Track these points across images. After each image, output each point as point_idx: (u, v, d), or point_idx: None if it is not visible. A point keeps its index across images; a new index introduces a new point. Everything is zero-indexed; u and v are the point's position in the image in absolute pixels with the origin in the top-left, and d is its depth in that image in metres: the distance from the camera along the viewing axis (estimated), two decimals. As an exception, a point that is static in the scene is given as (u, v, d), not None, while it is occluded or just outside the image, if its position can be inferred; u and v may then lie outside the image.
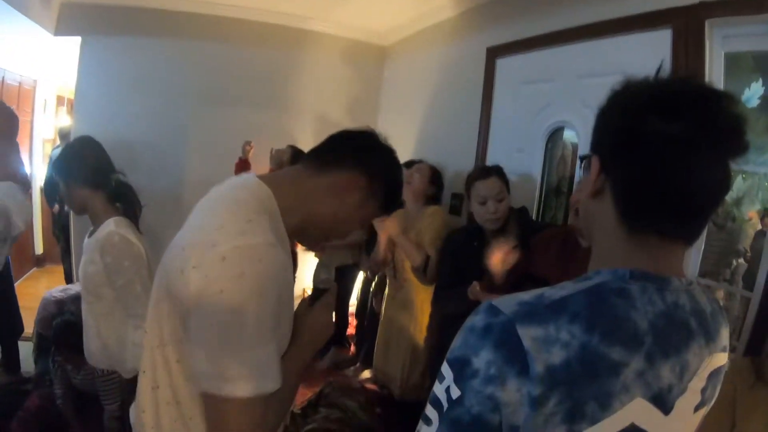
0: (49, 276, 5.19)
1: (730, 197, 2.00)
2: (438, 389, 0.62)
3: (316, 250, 1.03)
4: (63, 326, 2.33)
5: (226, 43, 4.04)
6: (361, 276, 3.74)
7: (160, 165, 3.85)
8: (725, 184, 0.62)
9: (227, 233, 0.86)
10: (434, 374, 0.64)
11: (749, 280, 1.86)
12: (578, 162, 0.72)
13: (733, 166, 0.61)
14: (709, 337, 0.66)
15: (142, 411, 1.01)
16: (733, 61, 1.85)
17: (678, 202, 0.61)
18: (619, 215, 0.64)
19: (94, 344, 1.82)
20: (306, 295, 1.23)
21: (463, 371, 0.60)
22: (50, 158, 4.57)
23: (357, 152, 1.03)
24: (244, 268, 0.83)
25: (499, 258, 1.73)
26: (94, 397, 2.34)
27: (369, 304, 3.46)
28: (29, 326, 3.05)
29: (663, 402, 0.62)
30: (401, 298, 2.60)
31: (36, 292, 4.05)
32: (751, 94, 1.83)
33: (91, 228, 1.77)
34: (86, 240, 1.78)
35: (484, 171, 2.13)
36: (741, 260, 2.16)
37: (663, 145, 0.58)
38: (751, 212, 2.09)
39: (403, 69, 4.16)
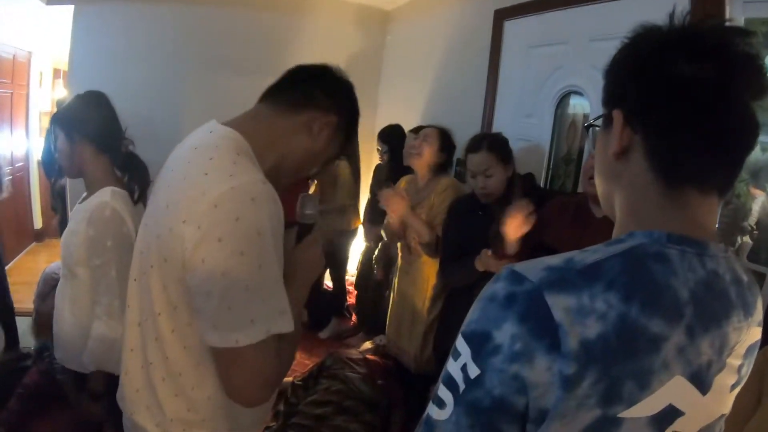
0: (48, 250, 5.17)
1: (746, 170, 1.93)
2: (452, 367, 0.55)
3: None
4: None
5: (225, 7, 3.89)
6: (361, 245, 3.68)
7: (156, 136, 3.64)
8: (756, 128, 0.57)
9: (214, 179, 0.82)
10: (440, 352, 0.57)
11: (754, 259, 1.80)
12: (587, 132, 0.65)
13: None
14: (747, 310, 0.60)
15: (136, 390, 0.97)
16: (753, 28, 1.74)
17: (716, 148, 0.56)
18: (654, 170, 0.58)
19: (55, 328, 1.61)
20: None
21: (482, 347, 0.52)
22: (47, 130, 4.48)
23: (327, 91, 1.02)
24: (238, 211, 0.79)
25: (514, 224, 1.65)
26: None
27: (373, 273, 3.42)
28: (30, 302, 3.02)
29: (701, 380, 0.56)
30: (414, 272, 2.52)
31: (36, 266, 4.04)
32: (772, 63, 1.73)
33: (85, 194, 1.58)
34: (76, 206, 1.59)
35: (475, 144, 2.04)
36: (746, 238, 2.10)
37: (696, 88, 0.54)
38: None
39: (406, 33, 4.02)
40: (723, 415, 0.63)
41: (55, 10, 3.90)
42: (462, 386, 0.53)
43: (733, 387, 0.62)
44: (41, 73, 5.47)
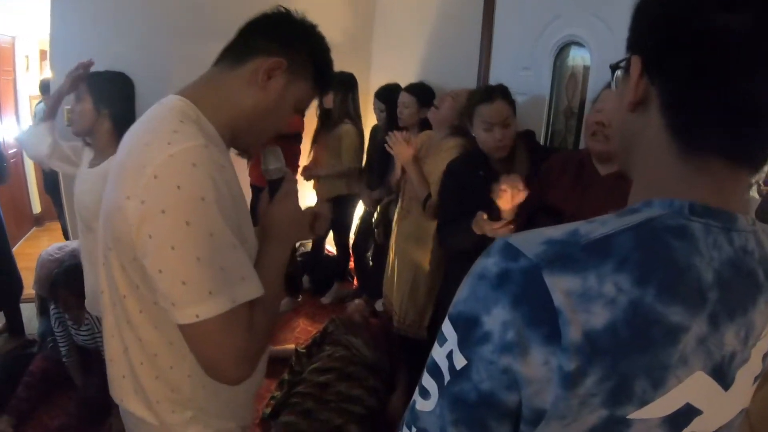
0: (49, 234, 5.16)
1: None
2: (438, 354, 0.49)
3: (255, 149, 0.99)
4: (65, 272, 2.27)
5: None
6: (359, 209, 3.63)
7: (143, 110, 3.62)
8: None
9: (153, 150, 0.78)
10: (437, 324, 0.51)
11: (764, 218, 1.72)
12: (612, 72, 0.57)
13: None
14: None
15: (122, 377, 0.95)
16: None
17: (747, 113, 0.46)
18: (669, 130, 0.50)
19: (86, 283, 1.88)
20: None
21: (469, 333, 0.46)
22: (35, 113, 4.41)
23: (267, 34, 0.94)
24: (179, 179, 0.75)
25: (506, 197, 1.57)
26: (97, 353, 2.30)
27: (371, 237, 3.40)
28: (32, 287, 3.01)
29: (723, 374, 0.49)
30: (405, 228, 2.47)
31: (37, 252, 4.01)
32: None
33: (92, 156, 1.86)
34: (86, 170, 1.84)
35: (488, 93, 1.93)
36: (753, 192, 2.03)
37: (728, 40, 0.45)
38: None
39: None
40: (743, 410, 0.57)
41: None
42: (447, 377, 0.47)
43: (757, 379, 0.55)
44: (27, 57, 5.38)
